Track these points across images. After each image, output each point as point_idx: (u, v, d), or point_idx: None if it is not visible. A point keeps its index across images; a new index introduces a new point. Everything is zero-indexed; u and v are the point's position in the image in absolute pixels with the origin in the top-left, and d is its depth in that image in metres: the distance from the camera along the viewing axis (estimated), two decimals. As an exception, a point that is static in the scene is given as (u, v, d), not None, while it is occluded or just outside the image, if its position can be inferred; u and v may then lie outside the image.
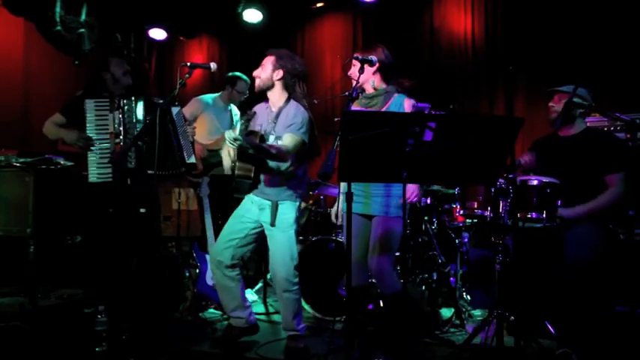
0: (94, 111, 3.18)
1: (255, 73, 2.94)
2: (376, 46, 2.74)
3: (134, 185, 3.14)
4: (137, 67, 3.46)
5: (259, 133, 2.87)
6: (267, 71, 2.88)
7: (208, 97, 4.13)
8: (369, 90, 2.73)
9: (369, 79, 2.70)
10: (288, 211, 2.89)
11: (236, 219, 2.99)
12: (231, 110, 4.16)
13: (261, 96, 2.99)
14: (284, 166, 2.88)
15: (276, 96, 2.92)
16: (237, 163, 2.89)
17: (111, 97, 3.22)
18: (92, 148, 3.13)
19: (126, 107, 3.19)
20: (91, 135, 3.15)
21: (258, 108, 3.04)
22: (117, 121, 3.17)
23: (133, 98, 3.23)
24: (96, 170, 3.14)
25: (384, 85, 2.72)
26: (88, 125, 3.16)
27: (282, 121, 2.88)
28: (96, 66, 3.35)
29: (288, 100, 2.90)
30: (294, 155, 2.84)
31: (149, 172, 3.06)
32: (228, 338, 3.03)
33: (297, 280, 2.92)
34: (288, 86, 2.89)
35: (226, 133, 2.65)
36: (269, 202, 2.90)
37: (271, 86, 2.89)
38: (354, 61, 2.67)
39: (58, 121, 3.26)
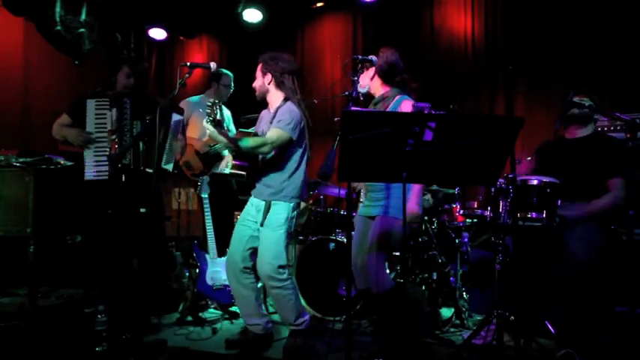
0: (94, 110, 3.25)
1: (253, 86, 3.07)
2: (380, 49, 2.80)
3: (131, 183, 3.15)
4: (140, 71, 3.52)
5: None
6: (259, 79, 3.03)
7: (195, 98, 4.19)
8: (376, 94, 2.82)
9: (366, 84, 2.81)
10: (280, 211, 2.91)
11: (241, 224, 3.04)
12: (221, 108, 4.17)
13: (263, 102, 3.10)
14: (267, 157, 2.94)
15: (273, 98, 3.02)
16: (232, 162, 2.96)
17: (111, 96, 3.26)
18: (89, 145, 3.17)
19: (125, 104, 3.24)
20: (90, 132, 3.20)
21: (263, 113, 3.13)
22: (114, 117, 3.22)
23: (128, 100, 3.27)
24: (93, 168, 3.17)
25: (384, 90, 2.77)
26: (87, 124, 3.22)
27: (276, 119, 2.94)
28: (109, 68, 3.46)
29: (285, 100, 2.96)
30: (278, 149, 2.88)
31: (145, 169, 3.12)
32: (240, 340, 3.05)
33: (284, 277, 2.88)
34: (280, 85, 2.97)
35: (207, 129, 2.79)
36: (264, 203, 2.94)
37: (267, 91, 3.02)
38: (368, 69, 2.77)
39: (64, 122, 3.36)
